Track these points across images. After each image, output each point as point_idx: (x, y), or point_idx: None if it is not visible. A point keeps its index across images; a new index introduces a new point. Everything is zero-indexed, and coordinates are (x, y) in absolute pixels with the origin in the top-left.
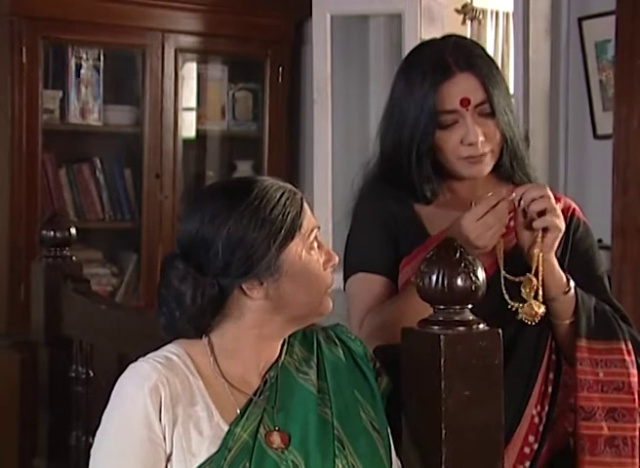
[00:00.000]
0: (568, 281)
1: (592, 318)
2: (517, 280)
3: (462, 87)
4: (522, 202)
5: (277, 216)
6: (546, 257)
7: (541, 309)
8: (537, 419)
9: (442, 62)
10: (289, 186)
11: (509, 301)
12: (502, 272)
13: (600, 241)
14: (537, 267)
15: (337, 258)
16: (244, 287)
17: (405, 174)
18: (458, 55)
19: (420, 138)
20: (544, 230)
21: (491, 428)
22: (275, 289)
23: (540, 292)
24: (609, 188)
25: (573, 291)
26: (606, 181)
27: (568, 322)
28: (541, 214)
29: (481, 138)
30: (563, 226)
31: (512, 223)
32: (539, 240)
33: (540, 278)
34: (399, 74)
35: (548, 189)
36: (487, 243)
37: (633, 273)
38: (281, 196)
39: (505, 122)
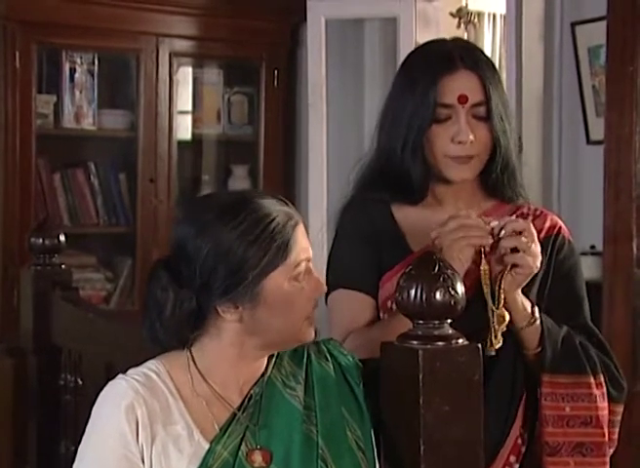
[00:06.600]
0: (533, 311)
1: (558, 350)
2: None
3: (463, 83)
4: (502, 233)
5: (263, 242)
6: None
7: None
8: (520, 441)
9: (448, 56)
10: (285, 209)
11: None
12: (486, 291)
13: (593, 247)
14: (501, 301)
15: (324, 289)
16: (218, 308)
17: (397, 170)
18: (464, 53)
19: (416, 130)
20: (514, 266)
21: (470, 443)
22: (250, 315)
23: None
24: (602, 194)
25: (538, 321)
26: (599, 187)
27: (534, 353)
28: (515, 250)
29: (471, 137)
30: (536, 266)
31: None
32: (506, 275)
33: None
34: (401, 68)
35: (531, 226)
36: (450, 250)
37: (625, 279)
38: (272, 221)
39: (499, 128)
